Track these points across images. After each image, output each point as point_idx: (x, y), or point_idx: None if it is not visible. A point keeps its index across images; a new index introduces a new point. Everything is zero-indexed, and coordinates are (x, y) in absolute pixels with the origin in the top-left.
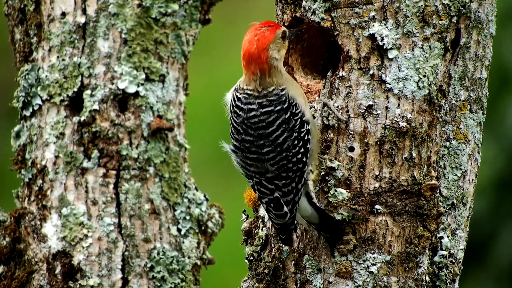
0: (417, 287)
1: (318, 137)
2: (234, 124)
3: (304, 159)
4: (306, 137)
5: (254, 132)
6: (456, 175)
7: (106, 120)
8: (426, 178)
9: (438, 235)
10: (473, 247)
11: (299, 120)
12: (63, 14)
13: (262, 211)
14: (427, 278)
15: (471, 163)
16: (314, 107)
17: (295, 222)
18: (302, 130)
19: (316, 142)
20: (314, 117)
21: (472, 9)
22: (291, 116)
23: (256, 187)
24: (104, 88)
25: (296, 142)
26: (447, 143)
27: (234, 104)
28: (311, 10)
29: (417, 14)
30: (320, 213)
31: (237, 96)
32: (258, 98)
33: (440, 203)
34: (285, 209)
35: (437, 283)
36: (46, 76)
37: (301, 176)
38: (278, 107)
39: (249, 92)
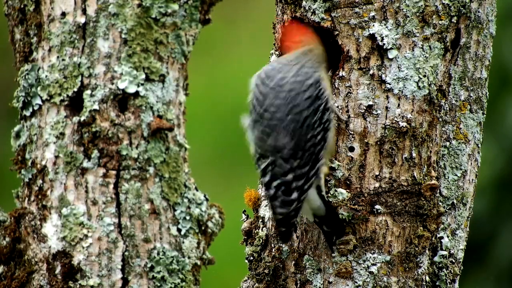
0: (417, 287)
1: (334, 133)
2: (264, 91)
3: (320, 147)
4: (326, 125)
5: (286, 94)
6: (456, 175)
7: (106, 120)
8: (426, 178)
9: (438, 235)
10: (473, 247)
11: (322, 105)
12: (63, 14)
13: (262, 211)
14: (427, 278)
15: (471, 163)
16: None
17: (298, 215)
18: (324, 116)
19: (333, 136)
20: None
21: (472, 9)
22: (316, 99)
23: (269, 168)
24: (104, 88)
25: (316, 125)
26: (447, 143)
27: (264, 76)
28: (311, 10)
29: (417, 14)
30: (327, 207)
31: (271, 66)
32: (296, 65)
33: (440, 203)
34: (294, 195)
35: (437, 283)
36: (46, 76)
37: (315, 162)
38: (309, 81)
39: (290, 58)
